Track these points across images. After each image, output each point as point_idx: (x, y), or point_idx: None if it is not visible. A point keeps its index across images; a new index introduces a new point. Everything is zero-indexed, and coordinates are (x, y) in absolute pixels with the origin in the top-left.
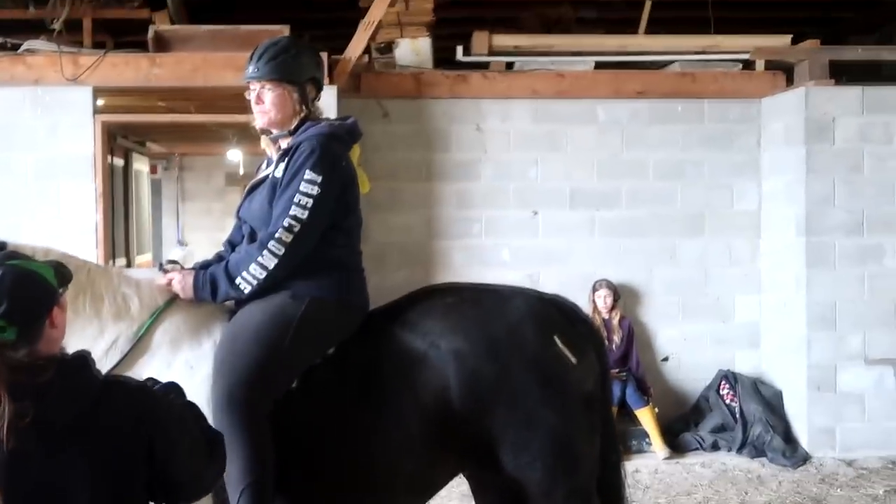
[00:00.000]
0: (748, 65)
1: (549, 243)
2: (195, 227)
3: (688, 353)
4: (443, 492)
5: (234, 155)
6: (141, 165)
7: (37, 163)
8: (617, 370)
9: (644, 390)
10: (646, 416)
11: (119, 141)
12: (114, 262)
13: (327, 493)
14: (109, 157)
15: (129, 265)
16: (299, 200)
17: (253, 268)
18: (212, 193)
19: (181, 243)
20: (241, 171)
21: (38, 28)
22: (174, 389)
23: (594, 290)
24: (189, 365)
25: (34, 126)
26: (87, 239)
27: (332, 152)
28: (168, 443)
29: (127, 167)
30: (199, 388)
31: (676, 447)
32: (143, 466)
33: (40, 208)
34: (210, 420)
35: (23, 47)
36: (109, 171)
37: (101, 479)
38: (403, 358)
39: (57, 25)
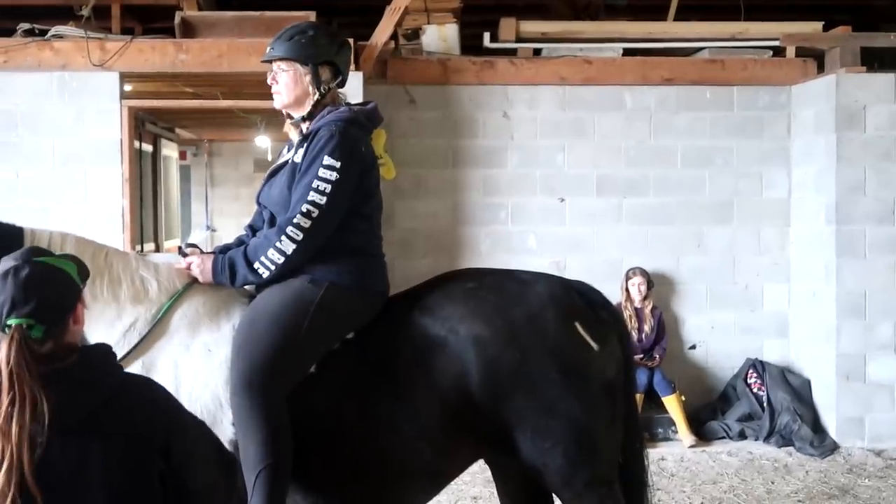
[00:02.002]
0: (778, 51)
1: (575, 230)
2: (224, 212)
3: (715, 341)
4: (467, 477)
5: (262, 141)
6: (170, 151)
7: (64, 148)
8: (642, 357)
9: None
10: (672, 404)
11: (148, 127)
12: (142, 247)
13: (343, 477)
14: (137, 143)
15: (157, 250)
16: (318, 186)
17: (271, 253)
18: (240, 179)
19: (209, 228)
20: (270, 158)
21: (66, 14)
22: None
23: (627, 277)
24: (207, 348)
25: (61, 111)
26: (114, 224)
27: (350, 137)
28: (184, 444)
29: (156, 153)
30: (218, 371)
31: (703, 435)
32: (159, 460)
33: (67, 193)
34: (229, 401)
35: (50, 33)
36: (137, 157)
37: (116, 466)
38: (422, 344)
39: (85, 12)
